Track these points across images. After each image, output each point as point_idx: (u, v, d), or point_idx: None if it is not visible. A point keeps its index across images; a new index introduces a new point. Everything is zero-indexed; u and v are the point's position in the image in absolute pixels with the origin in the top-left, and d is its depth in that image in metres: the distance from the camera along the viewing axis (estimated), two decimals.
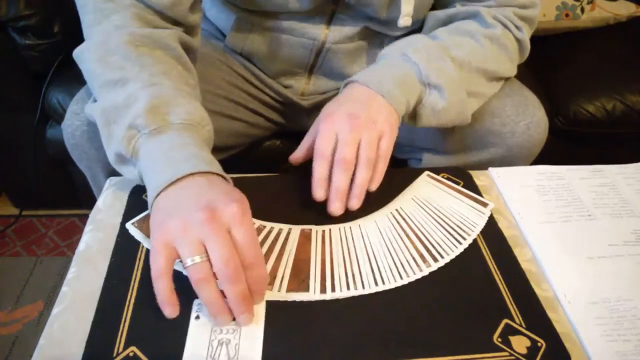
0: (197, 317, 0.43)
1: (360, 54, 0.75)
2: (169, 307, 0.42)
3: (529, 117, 0.67)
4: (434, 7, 0.71)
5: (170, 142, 0.47)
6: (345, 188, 0.51)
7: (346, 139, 0.51)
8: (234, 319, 0.42)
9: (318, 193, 0.52)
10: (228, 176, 0.48)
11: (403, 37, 0.77)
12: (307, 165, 1.04)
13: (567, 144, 1.22)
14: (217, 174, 0.46)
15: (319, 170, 0.52)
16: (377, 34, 0.73)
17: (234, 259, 0.40)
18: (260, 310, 0.44)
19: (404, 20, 0.64)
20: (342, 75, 0.77)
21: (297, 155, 0.58)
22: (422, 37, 0.64)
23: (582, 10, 1.30)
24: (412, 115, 0.62)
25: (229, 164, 0.51)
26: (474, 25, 0.64)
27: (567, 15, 1.30)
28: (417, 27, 0.72)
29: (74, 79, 1.07)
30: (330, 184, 0.52)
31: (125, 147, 0.48)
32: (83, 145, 0.61)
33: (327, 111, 0.55)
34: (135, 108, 0.48)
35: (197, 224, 0.41)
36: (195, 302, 0.44)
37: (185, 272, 0.46)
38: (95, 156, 0.62)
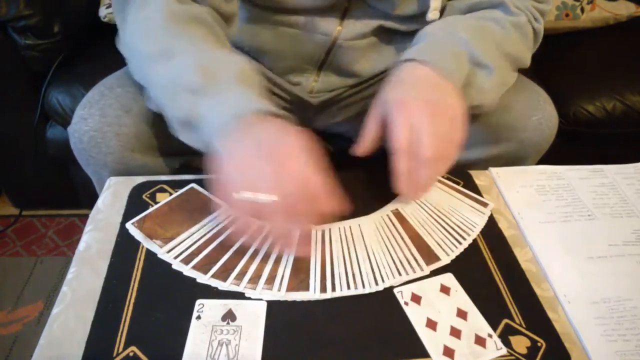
0: (198, 317, 0.43)
1: (370, 50, 0.75)
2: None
3: (540, 112, 0.67)
4: None
5: (232, 93, 0.49)
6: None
7: (428, 132, 0.49)
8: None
9: (405, 188, 0.51)
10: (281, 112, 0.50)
11: (414, 33, 0.77)
12: None
13: (567, 144, 1.22)
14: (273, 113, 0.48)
15: (402, 165, 0.50)
16: (389, 31, 0.73)
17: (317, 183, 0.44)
18: (260, 311, 0.44)
19: (433, 14, 0.64)
20: (351, 72, 0.76)
21: (364, 147, 0.54)
22: (461, 18, 0.63)
23: (582, 10, 1.30)
24: None
25: None
26: (499, 13, 0.64)
27: (567, 15, 1.30)
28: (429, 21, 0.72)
29: (74, 79, 1.08)
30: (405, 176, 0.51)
31: (185, 110, 0.50)
32: (90, 150, 0.62)
33: (396, 97, 0.52)
34: (188, 74, 0.50)
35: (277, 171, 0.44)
36: (197, 302, 0.44)
37: (186, 272, 0.46)
38: (103, 161, 0.62)
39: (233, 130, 0.46)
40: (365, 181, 0.59)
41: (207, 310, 0.44)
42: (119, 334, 0.42)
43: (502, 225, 0.55)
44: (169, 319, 0.43)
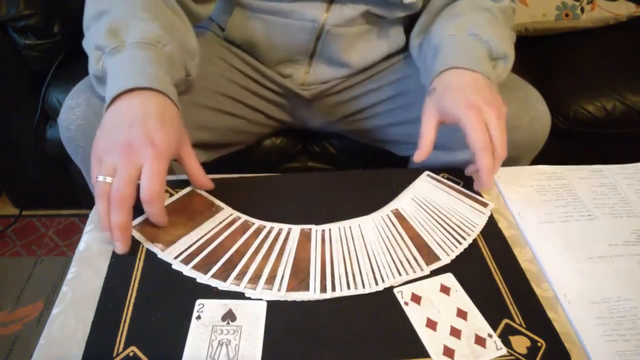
0: (199, 317, 0.43)
1: (359, 39, 0.75)
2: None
3: (532, 112, 0.67)
4: None
5: (126, 59, 0.52)
6: None
7: (499, 128, 0.53)
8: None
9: (490, 182, 0.54)
10: (173, 93, 0.53)
11: (403, 28, 0.77)
12: (306, 165, 1.04)
13: (567, 144, 1.22)
14: (161, 92, 0.51)
15: (488, 162, 0.53)
16: (378, 18, 0.73)
17: (122, 192, 0.45)
18: (260, 311, 0.44)
19: None
20: (341, 62, 0.76)
21: (425, 153, 0.57)
22: (471, 14, 0.65)
23: (582, 10, 1.30)
24: None
25: (229, 163, 0.52)
26: (487, 2, 0.67)
27: (567, 15, 1.30)
28: (419, 8, 0.72)
29: (74, 78, 1.07)
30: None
31: (95, 66, 0.53)
32: (78, 139, 0.62)
33: (461, 101, 0.55)
34: (98, 33, 0.54)
35: (115, 153, 0.47)
36: (197, 302, 0.44)
37: (186, 272, 0.46)
38: (90, 150, 0.61)
39: (116, 102, 0.50)
40: (365, 181, 0.59)
41: (207, 310, 0.44)
42: (119, 334, 0.42)
43: (502, 225, 0.55)
44: (169, 319, 0.43)
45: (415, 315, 0.45)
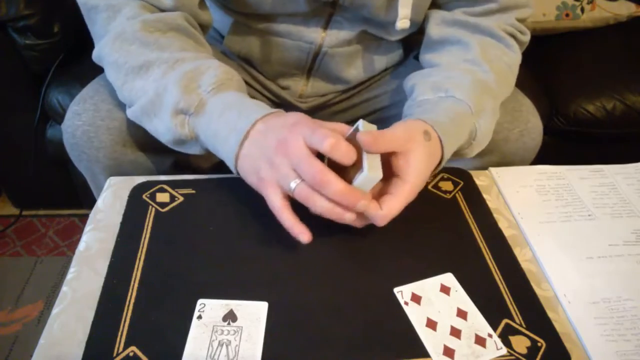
0: (199, 317, 0.43)
1: (357, 57, 0.75)
2: (301, 235, 0.46)
3: (522, 124, 0.66)
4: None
5: (216, 110, 0.51)
6: None
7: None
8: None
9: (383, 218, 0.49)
10: (272, 109, 0.52)
11: (402, 41, 0.77)
12: None
13: (567, 144, 1.22)
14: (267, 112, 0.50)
15: (400, 204, 0.49)
16: (375, 38, 0.72)
17: (317, 171, 0.44)
18: (261, 311, 0.44)
19: (402, 23, 0.63)
20: (340, 79, 0.76)
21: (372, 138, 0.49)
22: (461, 72, 0.61)
23: (582, 10, 1.30)
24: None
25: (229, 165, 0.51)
26: (498, 51, 0.63)
27: (567, 15, 1.30)
28: (416, 30, 0.71)
29: (74, 79, 1.08)
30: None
31: (181, 131, 0.52)
32: (82, 145, 0.61)
33: (411, 143, 0.50)
34: (171, 94, 0.52)
35: (279, 159, 0.46)
36: (198, 302, 0.44)
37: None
38: (95, 156, 0.61)
39: (240, 147, 0.49)
40: None
41: (209, 310, 0.44)
42: (119, 334, 0.42)
43: (502, 225, 0.55)
44: (169, 319, 0.43)
45: (415, 315, 0.45)
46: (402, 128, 0.51)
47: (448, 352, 0.42)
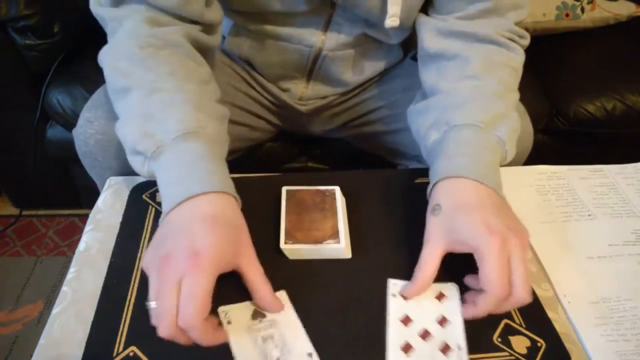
0: (229, 323, 0.43)
1: (357, 59, 0.75)
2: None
3: None
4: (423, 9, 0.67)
5: (172, 161, 0.46)
6: None
7: (524, 266, 0.42)
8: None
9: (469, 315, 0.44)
10: (231, 187, 0.46)
11: (401, 45, 0.76)
12: (307, 165, 1.04)
13: (567, 144, 1.22)
14: (217, 192, 0.44)
15: (491, 307, 0.42)
16: (374, 41, 0.72)
17: (168, 320, 0.38)
18: (284, 299, 0.45)
19: (391, 21, 0.62)
20: (340, 81, 0.76)
21: (420, 288, 0.45)
22: (459, 91, 0.56)
23: (582, 10, 1.30)
24: None
25: (229, 164, 0.51)
26: (502, 57, 0.59)
27: (567, 15, 1.30)
28: (411, 32, 0.71)
29: (74, 78, 1.07)
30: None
31: (141, 170, 0.48)
32: (96, 153, 0.61)
33: (484, 225, 0.43)
34: (132, 134, 0.47)
35: (154, 268, 0.41)
36: (220, 310, 0.44)
37: None
38: (108, 165, 0.61)
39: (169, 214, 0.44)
40: (365, 181, 0.59)
41: (235, 316, 0.43)
42: (119, 334, 0.42)
43: None
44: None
45: (396, 308, 0.44)
46: (430, 248, 0.45)
47: (406, 347, 0.42)
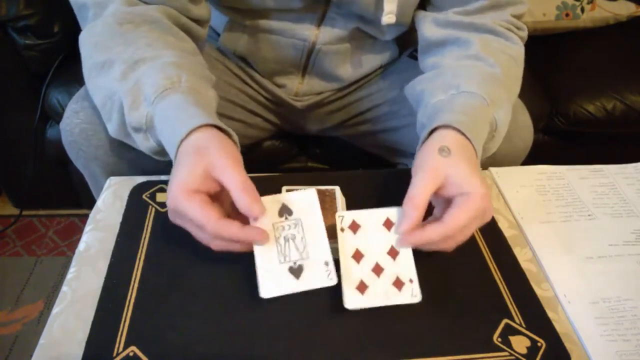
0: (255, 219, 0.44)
1: (351, 55, 0.75)
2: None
3: (511, 124, 0.62)
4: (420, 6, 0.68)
5: (159, 124, 0.49)
6: None
7: (467, 236, 0.46)
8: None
9: (409, 242, 0.45)
10: (217, 122, 0.49)
11: (396, 40, 0.76)
12: (306, 165, 1.03)
13: (567, 144, 1.22)
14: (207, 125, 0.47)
15: (434, 238, 0.44)
16: (368, 36, 0.72)
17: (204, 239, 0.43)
18: (312, 199, 0.45)
19: (387, 18, 0.63)
20: (335, 77, 0.76)
21: (414, 220, 0.44)
22: (467, 68, 0.59)
23: (582, 10, 1.30)
24: None
25: None
26: (499, 44, 0.61)
27: (567, 15, 1.30)
28: (407, 29, 0.71)
29: (74, 78, 1.07)
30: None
31: (151, 146, 0.52)
32: (81, 142, 0.61)
33: (480, 189, 0.45)
34: (121, 114, 0.51)
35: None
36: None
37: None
38: (93, 154, 0.61)
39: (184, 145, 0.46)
40: (365, 181, 0.59)
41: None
42: (119, 334, 0.42)
43: (502, 225, 0.55)
44: (169, 319, 0.43)
45: (346, 244, 0.45)
46: (426, 179, 0.46)
47: (361, 286, 0.43)
